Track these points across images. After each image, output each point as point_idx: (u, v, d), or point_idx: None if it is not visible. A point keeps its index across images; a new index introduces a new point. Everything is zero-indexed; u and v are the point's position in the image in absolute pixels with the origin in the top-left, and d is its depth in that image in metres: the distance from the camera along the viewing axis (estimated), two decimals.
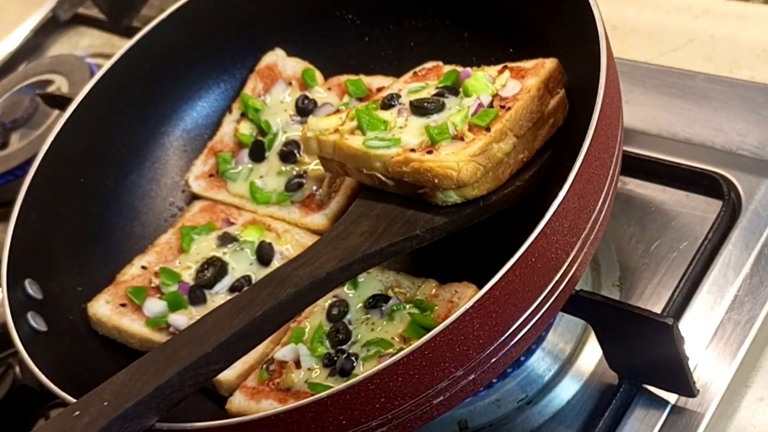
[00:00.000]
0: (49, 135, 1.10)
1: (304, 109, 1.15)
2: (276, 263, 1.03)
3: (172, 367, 0.78)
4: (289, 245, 1.05)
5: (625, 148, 0.91)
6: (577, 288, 0.87)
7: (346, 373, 0.90)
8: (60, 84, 1.60)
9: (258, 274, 1.02)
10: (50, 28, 1.80)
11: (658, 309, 0.97)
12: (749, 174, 1.08)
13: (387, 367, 0.73)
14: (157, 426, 0.79)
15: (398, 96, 1.00)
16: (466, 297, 0.92)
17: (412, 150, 0.92)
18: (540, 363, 1.03)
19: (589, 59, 0.85)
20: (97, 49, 1.72)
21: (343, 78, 1.17)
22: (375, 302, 0.95)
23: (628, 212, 1.11)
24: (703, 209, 1.08)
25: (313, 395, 0.76)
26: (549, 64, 0.97)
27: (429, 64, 1.08)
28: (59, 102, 1.46)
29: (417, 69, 1.08)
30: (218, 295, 1.01)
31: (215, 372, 0.81)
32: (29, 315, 0.96)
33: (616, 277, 1.07)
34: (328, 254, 0.89)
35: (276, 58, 1.20)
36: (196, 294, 1.01)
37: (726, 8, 1.29)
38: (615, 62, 0.89)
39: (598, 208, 0.83)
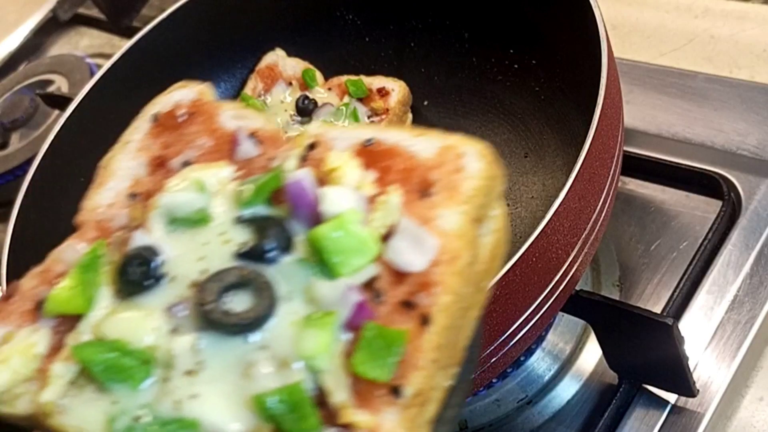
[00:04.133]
0: (49, 135, 1.09)
1: (305, 109, 1.15)
2: None
3: None
4: None
5: (625, 148, 0.91)
6: (577, 288, 0.87)
7: None
8: (60, 84, 1.60)
9: None
10: (50, 28, 1.80)
11: (658, 309, 0.97)
12: (749, 174, 1.08)
13: None
14: None
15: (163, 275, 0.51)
16: None
17: None
18: (540, 363, 1.03)
19: (589, 59, 0.85)
20: (97, 49, 1.71)
21: (344, 78, 1.17)
22: None
23: (628, 212, 1.11)
24: (703, 209, 1.08)
25: None
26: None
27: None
28: (59, 102, 1.46)
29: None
30: None
31: None
32: None
33: (616, 277, 1.07)
34: None
35: (276, 58, 1.20)
36: None
37: (726, 8, 1.29)
38: (615, 62, 0.89)
39: (598, 208, 0.83)
